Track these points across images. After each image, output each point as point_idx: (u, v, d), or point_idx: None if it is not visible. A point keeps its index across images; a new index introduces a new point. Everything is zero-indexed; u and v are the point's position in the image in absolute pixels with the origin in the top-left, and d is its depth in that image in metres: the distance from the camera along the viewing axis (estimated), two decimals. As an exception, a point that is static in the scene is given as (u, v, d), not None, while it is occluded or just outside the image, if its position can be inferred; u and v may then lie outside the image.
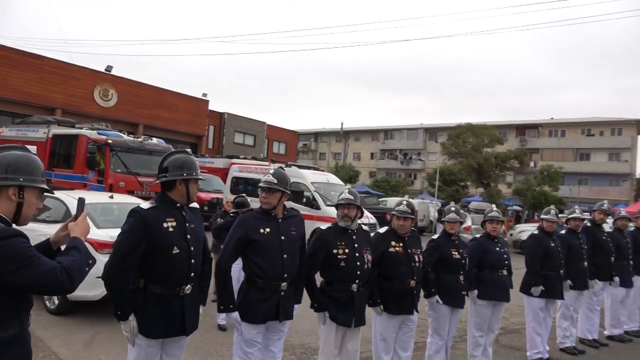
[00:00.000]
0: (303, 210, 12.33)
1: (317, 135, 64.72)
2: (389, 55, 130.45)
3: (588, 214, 6.97)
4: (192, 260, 2.72)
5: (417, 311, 4.01)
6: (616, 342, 6.49)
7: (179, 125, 25.79)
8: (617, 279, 6.40)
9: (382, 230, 4.08)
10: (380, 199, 25.19)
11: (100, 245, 5.18)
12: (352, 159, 58.08)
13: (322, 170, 16.88)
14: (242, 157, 18.69)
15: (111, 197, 6.78)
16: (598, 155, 45.98)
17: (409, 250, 3.94)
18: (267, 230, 3.14)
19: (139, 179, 12.13)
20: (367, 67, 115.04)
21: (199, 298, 2.87)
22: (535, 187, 34.00)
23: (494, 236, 4.85)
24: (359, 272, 3.53)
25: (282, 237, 3.17)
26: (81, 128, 12.99)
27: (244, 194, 6.50)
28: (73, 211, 1.86)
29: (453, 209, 4.52)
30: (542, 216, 5.63)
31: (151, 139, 13.35)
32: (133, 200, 7.62)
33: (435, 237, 4.55)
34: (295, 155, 37.35)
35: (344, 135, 53.27)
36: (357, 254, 3.54)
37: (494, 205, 5.11)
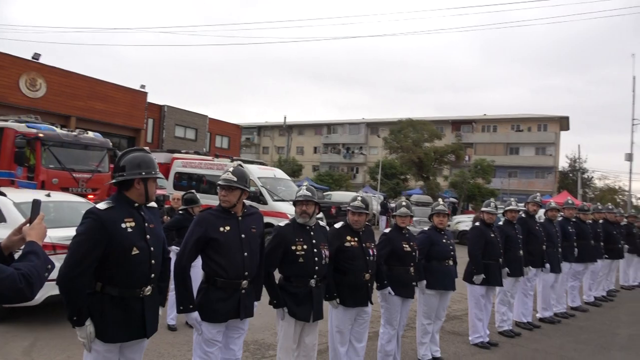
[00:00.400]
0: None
1: (260, 129, 64.13)
2: (333, 51, 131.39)
3: (522, 205, 7.45)
4: (153, 261, 2.66)
5: (372, 303, 4.14)
6: (547, 324, 7.03)
7: (116, 118, 24.56)
8: (548, 265, 6.92)
9: (338, 225, 4.17)
10: (325, 193, 25.45)
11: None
12: (296, 153, 58.15)
13: (267, 165, 16.79)
14: (184, 151, 18.16)
15: (48, 195, 6.39)
16: (526, 149, 49.08)
17: (364, 245, 4.05)
18: (227, 228, 3.12)
19: (74, 175, 11.49)
20: (310, 61, 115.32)
21: (158, 299, 2.81)
22: (470, 179, 35.78)
23: (440, 228, 5.09)
24: (317, 268, 3.60)
25: (243, 235, 3.16)
26: (6, 120, 12.07)
27: (193, 190, 6.36)
28: (6, 212, 1.75)
29: (404, 203, 4.69)
30: (483, 209, 5.99)
31: (86, 133, 12.65)
32: (72, 199, 7.23)
33: (387, 230, 4.70)
34: (239, 149, 36.81)
35: (287, 129, 53.07)
36: (315, 250, 3.60)
37: (440, 200, 5.36)
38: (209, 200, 10.80)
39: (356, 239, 4.05)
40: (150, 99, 27.79)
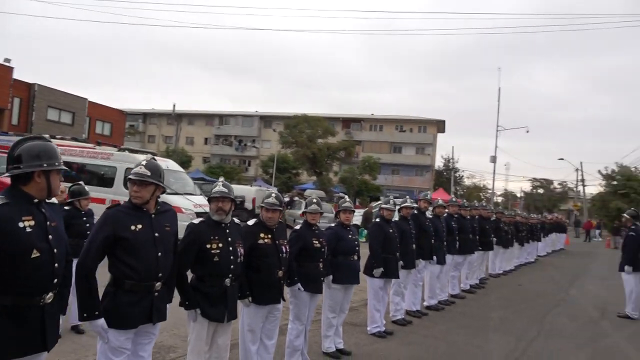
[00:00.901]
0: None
1: (146, 116, 60.35)
2: (224, 39, 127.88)
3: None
4: (56, 265, 2.35)
5: (284, 300, 4.14)
6: (433, 311, 7.66)
7: (-28, 94, 21.33)
8: (435, 257, 7.53)
9: (251, 222, 4.09)
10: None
11: None
12: (185, 143, 55.81)
13: (157, 155, 15.87)
14: (58, 137, 16.33)
15: None
16: (408, 149, 52.87)
17: (277, 242, 4.04)
18: (139, 227, 2.88)
19: None
20: (201, 48, 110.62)
21: (59, 307, 2.50)
22: (358, 176, 37.58)
23: (346, 225, 5.27)
24: (232, 267, 3.49)
25: (156, 234, 2.94)
26: None
27: (80, 182, 5.76)
28: None
29: (315, 200, 4.76)
30: (383, 205, 6.31)
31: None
32: None
33: (297, 227, 4.73)
34: (123, 137, 34.23)
35: (176, 117, 50.64)
36: (230, 248, 3.49)
37: (346, 196, 5.53)
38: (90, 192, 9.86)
39: (270, 236, 4.01)
40: (18, 75, 24.62)
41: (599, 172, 40.90)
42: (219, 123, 57.87)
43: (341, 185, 38.83)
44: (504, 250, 12.38)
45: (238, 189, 22.22)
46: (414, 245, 6.75)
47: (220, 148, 56.87)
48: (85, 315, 2.74)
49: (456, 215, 8.74)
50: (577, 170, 46.48)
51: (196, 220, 3.54)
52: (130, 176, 2.93)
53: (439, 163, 55.99)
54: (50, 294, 2.36)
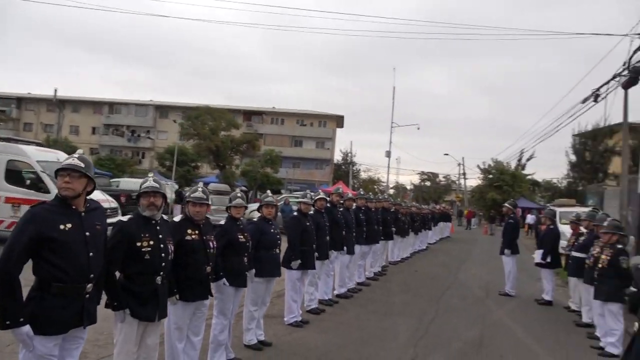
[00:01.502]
0: (26, 195, 10.43)
1: (20, 101, 54.04)
2: (114, 22, 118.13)
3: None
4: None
5: (212, 295, 4.14)
6: (342, 299, 8.06)
7: None
8: (345, 248, 7.93)
9: (177, 218, 4.03)
10: (112, 180, 23.14)
11: None
12: (69, 132, 51.06)
13: (44, 145, 14.44)
14: None
15: None
16: (308, 142, 53.92)
17: (205, 237, 4.02)
18: (69, 226, 2.71)
19: None
20: (87, 30, 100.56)
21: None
22: (260, 169, 37.49)
23: (269, 219, 5.37)
24: (163, 264, 3.42)
25: (87, 233, 2.79)
26: None
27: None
28: None
29: (239, 194, 4.79)
30: (301, 199, 6.52)
31: None
32: None
33: (222, 222, 4.72)
34: (-6, 124, 30.31)
35: (58, 104, 46.16)
36: (161, 245, 3.41)
37: (269, 191, 5.63)
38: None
39: (197, 232, 3.98)
40: None
41: (478, 166, 45.59)
42: (109, 111, 53.83)
43: (243, 178, 38.41)
44: (402, 239, 13.34)
45: (133, 183, 21.09)
46: (328, 237, 7.05)
47: (110, 138, 52.97)
48: (8, 322, 2.51)
49: (363, 208, 9.25)
50: (459, 164, 51.20)
51: (125, 218, 3.41)
52: (62, 165, 2.76)
53: (337, 157, 57.90)
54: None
